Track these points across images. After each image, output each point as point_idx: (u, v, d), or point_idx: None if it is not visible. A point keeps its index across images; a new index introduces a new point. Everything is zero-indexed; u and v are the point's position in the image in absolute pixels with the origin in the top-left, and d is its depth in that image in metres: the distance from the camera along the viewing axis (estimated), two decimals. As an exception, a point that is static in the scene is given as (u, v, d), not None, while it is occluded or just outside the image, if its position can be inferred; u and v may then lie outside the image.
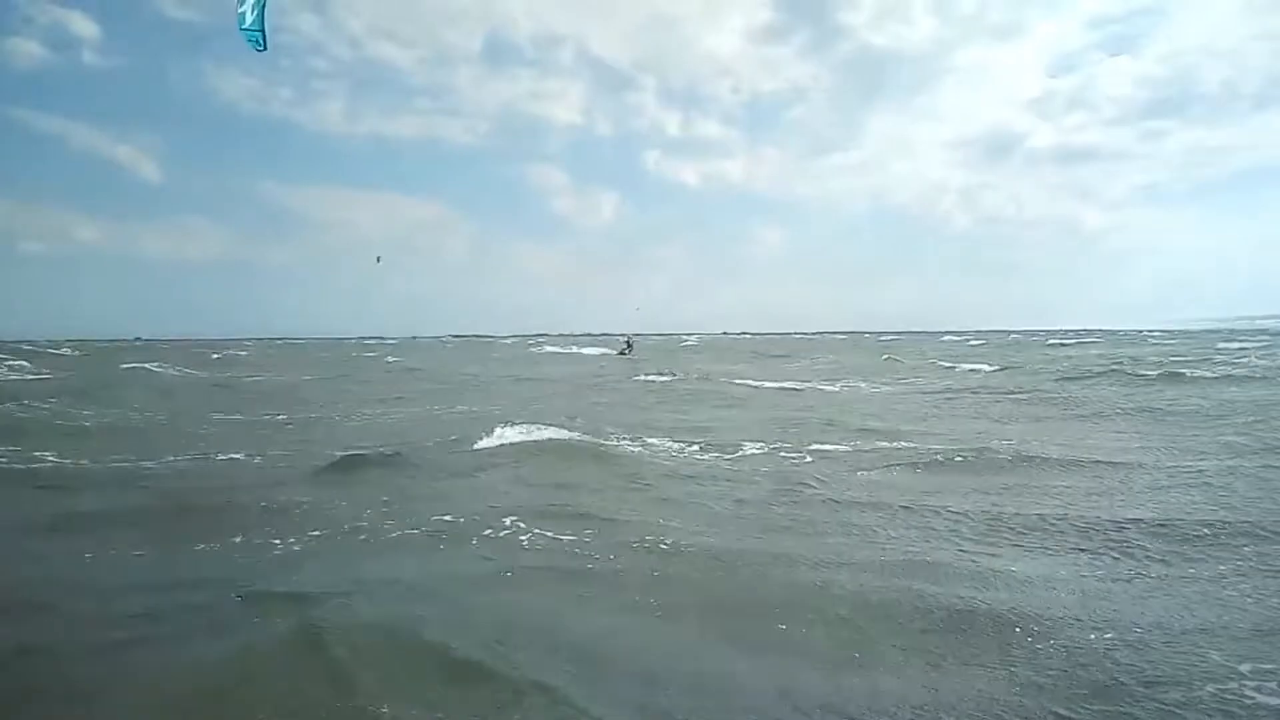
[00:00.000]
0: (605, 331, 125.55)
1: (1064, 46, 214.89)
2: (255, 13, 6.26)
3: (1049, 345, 51.69)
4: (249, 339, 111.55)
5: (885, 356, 37.18)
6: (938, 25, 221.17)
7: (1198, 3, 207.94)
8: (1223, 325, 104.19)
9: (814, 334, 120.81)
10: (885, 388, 20.91)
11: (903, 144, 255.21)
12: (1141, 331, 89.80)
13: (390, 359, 44.39)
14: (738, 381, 22.93)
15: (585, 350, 49.49)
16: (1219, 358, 28.38)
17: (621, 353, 44.17)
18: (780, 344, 66.42)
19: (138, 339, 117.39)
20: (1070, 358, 35.21)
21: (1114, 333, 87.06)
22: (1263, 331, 76.60)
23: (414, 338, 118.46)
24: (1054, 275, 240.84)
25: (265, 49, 6.29)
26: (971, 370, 25.57)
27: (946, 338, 77.72)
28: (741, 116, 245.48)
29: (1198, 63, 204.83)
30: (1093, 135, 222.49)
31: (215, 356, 46.38)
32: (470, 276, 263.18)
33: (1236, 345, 40.28)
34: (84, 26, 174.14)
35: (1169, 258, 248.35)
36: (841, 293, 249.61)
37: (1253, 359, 27.08)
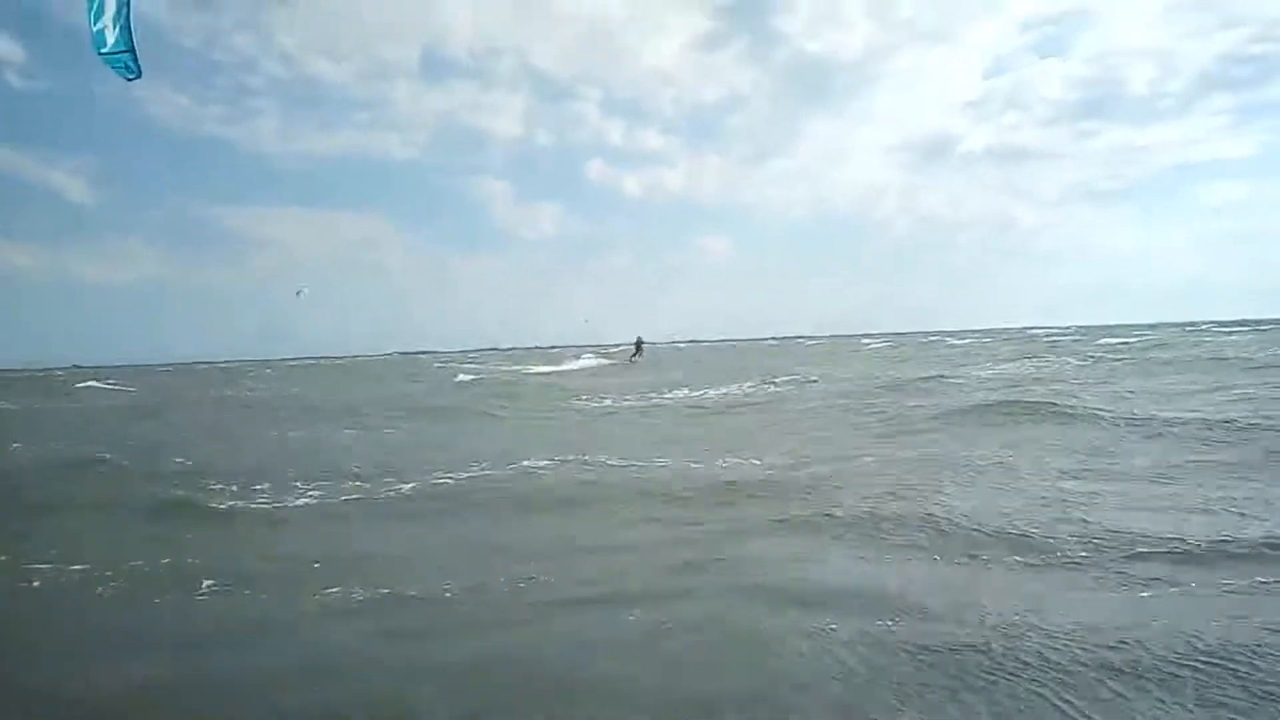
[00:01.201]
0: (554, 344, 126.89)
1: (997, 49, 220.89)
2: (117, 31, 5.27)
3: (946, 345, 54.06)
4: (183, 363, 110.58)
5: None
6: (873, 30, 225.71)
7: (1124, 5, 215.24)
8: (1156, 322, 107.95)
9: (767, 339, 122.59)
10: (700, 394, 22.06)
11: (842, 149, 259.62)
12: (1072, 328, 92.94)
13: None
14: (586, 396, 24.00)
15: (572, 365, 45.12)
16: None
17: (633, 359, 42.79)
18: (719, 352, 67.47)
19: (75, 366, 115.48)
20: (942, 357, 37.08)
21: (1040, 329, 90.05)
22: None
23: (356, 356, 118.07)
24: (991, 274, 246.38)
25: (139, 75, 5.32)
26: (789, 379, 26.52)
27: (866, 340, 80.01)
28: (683, 125, 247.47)
29: (1125, 64, 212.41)
30: (1026, 136, 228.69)
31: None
32: (413, 291, 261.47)
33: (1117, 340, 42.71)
34: (6, 48, 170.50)
35: (1102, 254, 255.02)
36: (786, 298, 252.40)
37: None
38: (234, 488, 9.64)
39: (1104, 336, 50.91)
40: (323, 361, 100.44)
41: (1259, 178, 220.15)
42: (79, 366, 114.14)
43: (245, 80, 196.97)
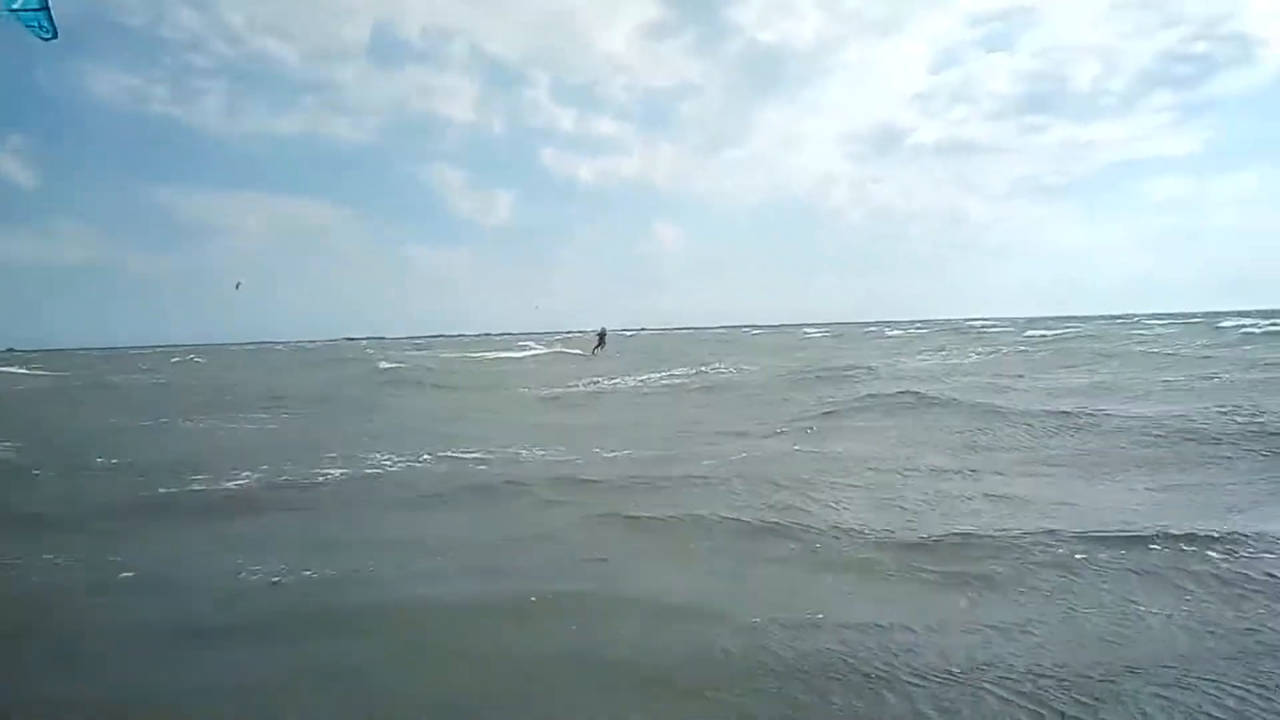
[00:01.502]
0: (506, 331, 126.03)
1: (945, 43, 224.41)
2: None
3: (884, 336, 54.66)
4: (120, 348, 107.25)
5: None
6: (823, 21, 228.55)
7: (1069, 2, 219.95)
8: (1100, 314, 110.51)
9: (720, 328, 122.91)
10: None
11: (794, 139, 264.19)
12: (1020, 320, 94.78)
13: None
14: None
15: (520, 353, 44.36)
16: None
17: (595, 350, 39.49)
18: (668, 340, 67.20)
19: (10, 350, 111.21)
20: (874, 348, 37.40)
21: (981, 320, 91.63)
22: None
23: (305, 342, 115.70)
24: (941, 266, 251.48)
25: (54, 35, 5.10)
26: (713, 369, 26.62)
27: (811, 330, 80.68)
28: (636, 113, 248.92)
29: (1070, 60, 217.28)
30: (974, 130, 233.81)
31: None
32: (364, 277, 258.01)
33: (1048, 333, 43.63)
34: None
35: (1049, 249, 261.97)
36: (740, 287, 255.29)
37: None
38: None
39: (1037, 329, 51.87)
40: (265, 347, 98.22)
41: (1200, 175, 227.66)
42: (13, 350, 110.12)
43: (192, 59, 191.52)
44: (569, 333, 60.80)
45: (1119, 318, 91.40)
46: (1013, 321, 79.29)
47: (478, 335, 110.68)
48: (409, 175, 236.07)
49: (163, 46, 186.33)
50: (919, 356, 29.13)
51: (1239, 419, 9.75)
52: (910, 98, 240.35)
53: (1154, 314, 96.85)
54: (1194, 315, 77.05)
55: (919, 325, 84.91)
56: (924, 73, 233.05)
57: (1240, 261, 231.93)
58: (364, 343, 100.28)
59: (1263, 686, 3.27)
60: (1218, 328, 42.25)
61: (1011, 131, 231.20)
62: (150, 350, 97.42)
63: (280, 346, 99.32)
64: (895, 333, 61.50)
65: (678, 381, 22.64)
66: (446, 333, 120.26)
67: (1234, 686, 3.28)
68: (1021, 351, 28.30)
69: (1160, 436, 9.37)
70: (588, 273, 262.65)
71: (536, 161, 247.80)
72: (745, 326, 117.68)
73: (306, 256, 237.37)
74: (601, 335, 40.87)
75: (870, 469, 8.38)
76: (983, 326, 68.22)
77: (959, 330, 58.83)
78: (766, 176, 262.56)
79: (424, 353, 51.61)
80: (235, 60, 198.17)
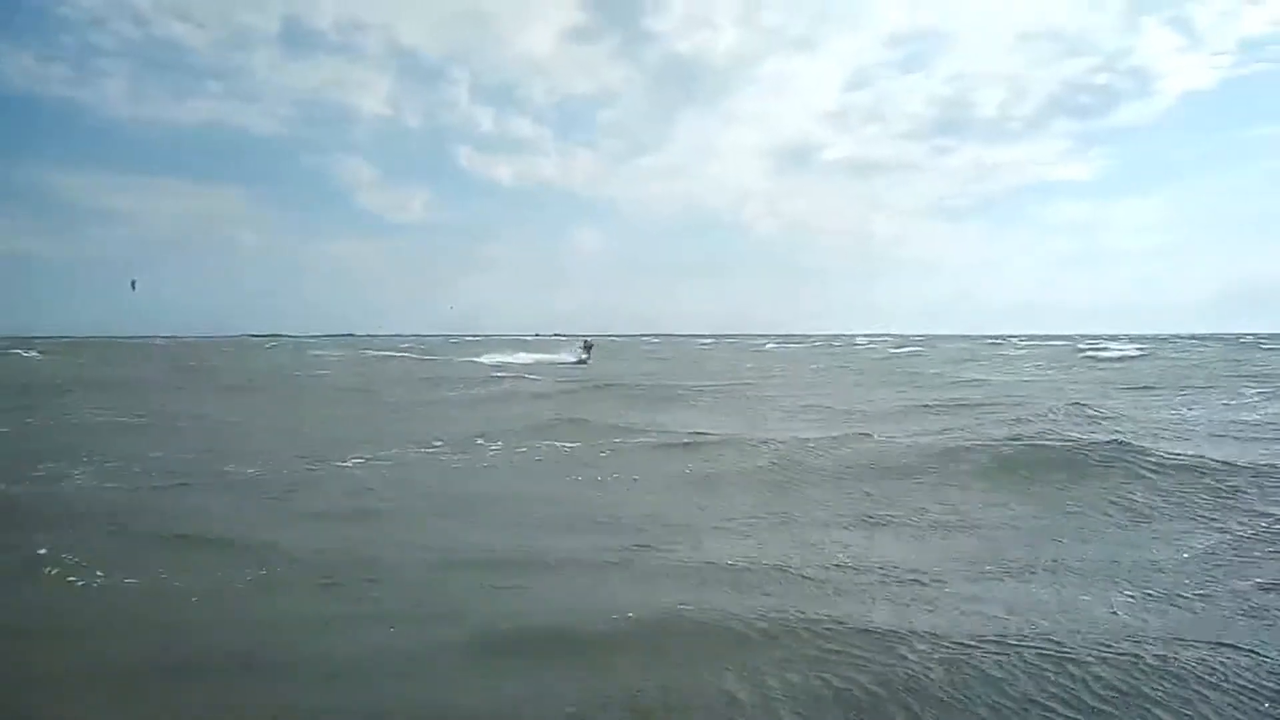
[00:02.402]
0: (417, 332, 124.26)
1: (859, 62, 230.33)
2: None
3: (765, 350, 55.71)
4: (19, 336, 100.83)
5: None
6: (742, 35, 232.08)
7: (979, 29, 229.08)
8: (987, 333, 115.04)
9: (634, 336, 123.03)
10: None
11: (712, 149, 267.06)
12: (912, 337, 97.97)
13: None
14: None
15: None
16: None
17: (581, 360, 36.64)
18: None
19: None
20: (741, 360, 37.87)
21: (867, 335, 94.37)
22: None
23: (203, 337, 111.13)
24: (851, 281, 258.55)
25: None
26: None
27: (704, 340, 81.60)
28: (555, 116, 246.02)
29: (978, 85, 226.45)
30: (884, 149, 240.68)
31: None
32: (269, 272, 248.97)
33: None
34: None
35: (952, 267, 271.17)
36: (655, 294, 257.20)
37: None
38: None
39: (908, 346, 53.62)
40: (156, 341, 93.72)
41: (1096, 200, 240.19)
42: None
43: (94, 39, 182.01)
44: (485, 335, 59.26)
45: (996, 338, 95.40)
46: (903, 338, 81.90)
47: (389, 336, 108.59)
48: (320, 168, 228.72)
49: (63, 24, 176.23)
50: (753, 364, 29.54)
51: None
52: (824, 114, 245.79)
53: (1037, 335, 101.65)
54: (1078, 337, 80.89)
55: (804, 339, 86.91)
56: (838, 90, 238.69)
57: (1124, 286, 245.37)
58: (270, 340, 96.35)
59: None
60: (1076, 349, 44.28)
61: (920, 153, 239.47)
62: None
63: (158, 341, 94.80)
64: (770, 345, 62.72)
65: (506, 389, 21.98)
66: (356, 331, 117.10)
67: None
68: (840, 367, 29.07)
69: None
70: (503, 275, 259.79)
71: (453, 160, 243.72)
72: (663, 335, 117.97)
73: (208, 248, 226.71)
74: (588, 346, 38.15)
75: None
76: (867, 342, 70.23)
77: (830, 344, 60.32)
78: (684, 185, 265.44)
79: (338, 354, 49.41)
80: (140, 42, 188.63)
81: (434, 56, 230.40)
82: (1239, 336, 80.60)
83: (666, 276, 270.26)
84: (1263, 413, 13.33)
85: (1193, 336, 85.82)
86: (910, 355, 40.06)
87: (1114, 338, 77.79)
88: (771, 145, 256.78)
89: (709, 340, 79.58)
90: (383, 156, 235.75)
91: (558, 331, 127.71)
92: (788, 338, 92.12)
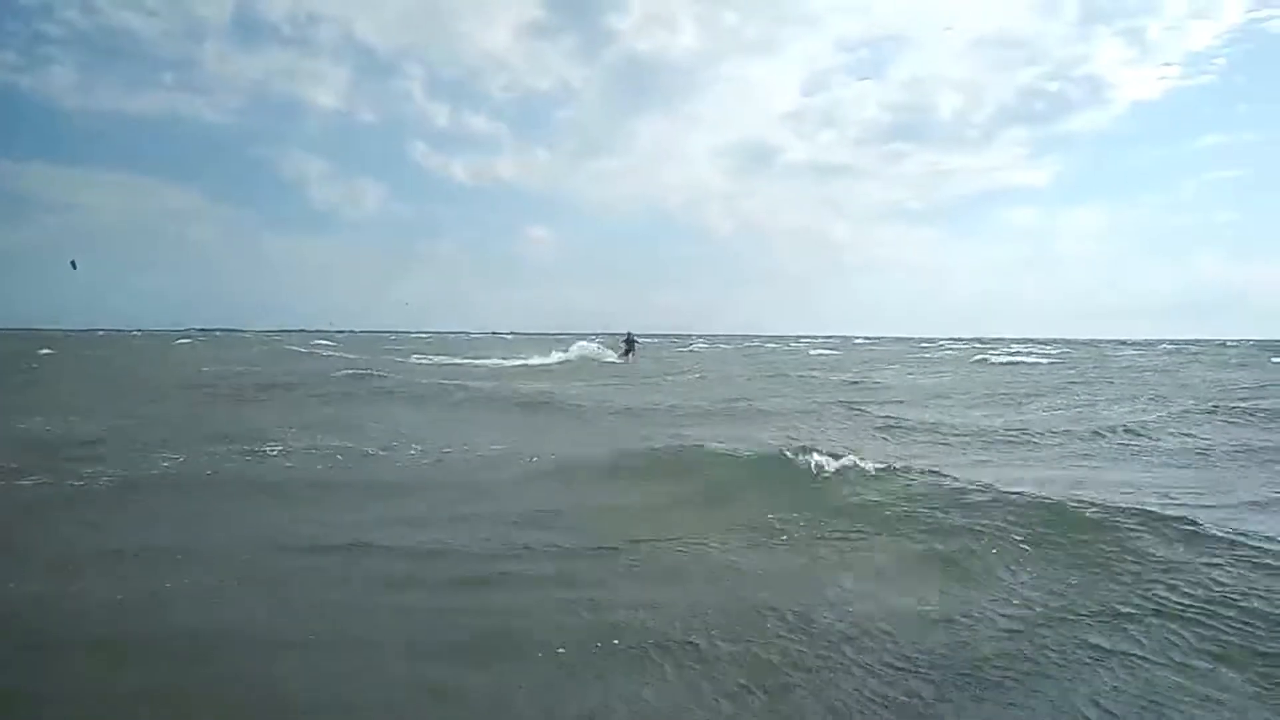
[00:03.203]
0: (368, 328, 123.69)
1: (816, 66, 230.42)
2: None
3: (690, 349, 56.24)
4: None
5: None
6: (701, 36, 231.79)
7: (935, 35, 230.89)
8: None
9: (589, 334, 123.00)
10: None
11: (671, 150, 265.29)
12: (855, 339, 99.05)
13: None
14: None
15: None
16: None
17: (626, 355, 34.00)
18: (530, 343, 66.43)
19: None
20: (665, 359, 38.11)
21: (809, 338, 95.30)
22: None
23: (154, 331, 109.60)
24: (807, 283, 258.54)
25: None
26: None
27: (649, 340, 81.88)
28: (513, 113, 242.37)
29: (935, 90, 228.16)
30: (842, 153, 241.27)
31: None
32: (219, 265, 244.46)
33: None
34: None
35: (909, 272, 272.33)
36: (611, 294, 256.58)
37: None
38: None
39: (831, 348, 54.22)
40: (100, 334, 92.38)
41: (1049, 207, 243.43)
42: None
43: (41, 27, 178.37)
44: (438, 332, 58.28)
45: (943, 340, 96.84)
46: (845, 340, 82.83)
47: (343, 333, 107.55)
48: (272, 161, 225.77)
49: (9, 10, 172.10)
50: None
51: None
52: (782, 117, 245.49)
53: (989, 339, 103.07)
54: (1041, 341, 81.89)
55: (746, 340, 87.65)
56: (796, 94, 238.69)
57: (1075, 292, 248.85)
58: (226, 336, 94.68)
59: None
60: (973, 356, 44.89)
61: (877, 157, 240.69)
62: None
63: (101, 333, 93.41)
64: (701, 346, 63.22)
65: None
66: (307, 327, 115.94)
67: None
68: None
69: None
70: (458, 272, 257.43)
71: (408, 155, 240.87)
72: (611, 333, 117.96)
73: (156, 241, 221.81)
74: (630, 342, 34.98)
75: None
76: (809, 344, 71.03)
77: (762, 346, 60.80)
78: (642, 186, 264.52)
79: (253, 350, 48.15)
80: (89, 31, 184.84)
81: (389, 50, 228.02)
82: (1186, 344, 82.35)
83: (622, 276, 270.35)
84: (1011, 418, 13.76)
85: (1131, 341, 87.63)
86: (827, 357, 40.77)
87: (1050, 342, 79.32)
88: (730, 147, 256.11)
89: (653, 340, 79.81)
90: (336, 151, 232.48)
91: (514, 329, 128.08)
92: (734, 339, 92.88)
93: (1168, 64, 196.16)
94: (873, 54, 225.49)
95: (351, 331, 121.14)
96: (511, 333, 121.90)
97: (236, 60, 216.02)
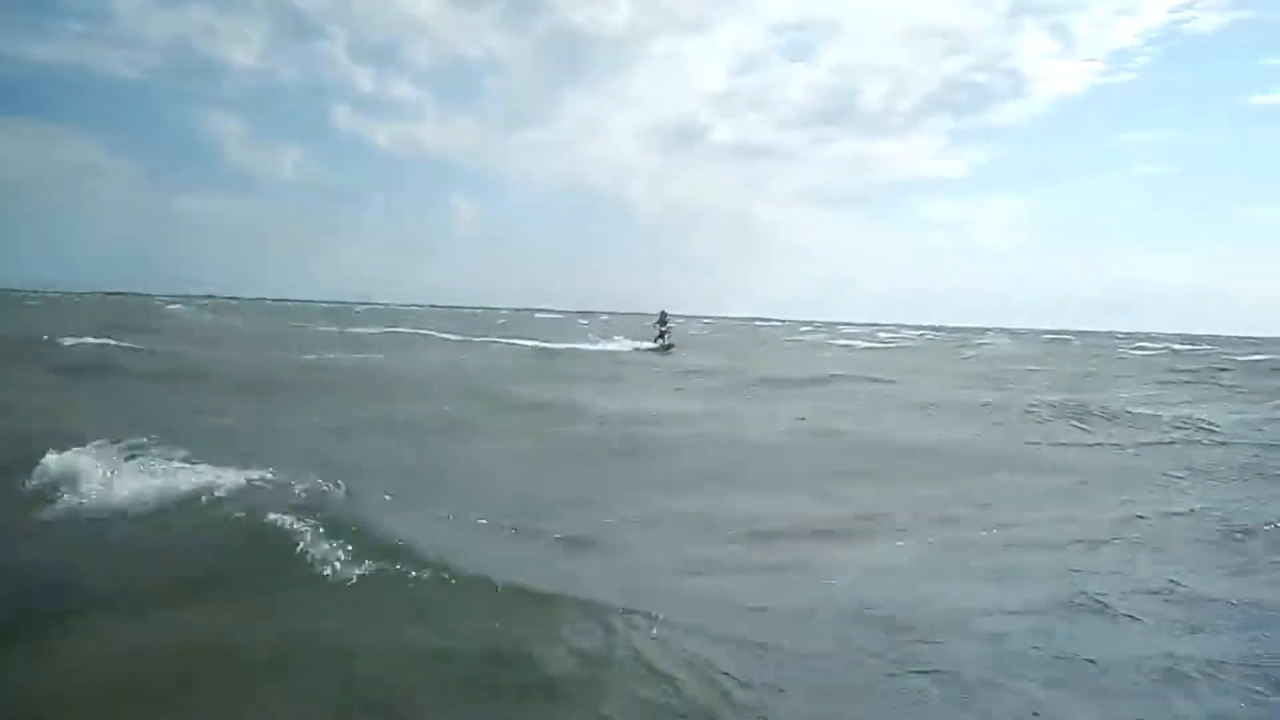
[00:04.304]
0: (284, 296, 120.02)
1: (747, 48, 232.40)
2: None
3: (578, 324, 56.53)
4: None
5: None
6: (634, 12, 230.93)
7: (866, 22, 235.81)
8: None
9: (517, 309, 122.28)
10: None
11: (598, 125, 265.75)
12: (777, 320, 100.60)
13: None
14: None
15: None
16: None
17: (663, 343, 28.59)
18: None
19: None
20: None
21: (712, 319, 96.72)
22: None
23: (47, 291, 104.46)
24: (730, 263, 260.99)
25: None
26: None
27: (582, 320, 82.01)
28: (438, 80, 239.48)
29: (863, 77, 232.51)
30: (768, 135, 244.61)
31: None
32: (128, 226, 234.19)
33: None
34: None
35: (831, 256, 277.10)
36: (537, 270, 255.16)
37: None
38: None
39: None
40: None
41: (969, 197, 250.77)
42: None
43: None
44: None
45: (821, 324, 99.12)
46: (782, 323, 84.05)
47: (275, 300, 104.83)
48: (186, 120, 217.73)
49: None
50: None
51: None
52: (711, 97, 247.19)
53: (909, 324, 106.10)
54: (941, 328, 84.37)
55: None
56: (725, 75, 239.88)
57: (990, 281, 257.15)
58: (134, 298, 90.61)
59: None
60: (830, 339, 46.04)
61: (803, 141, 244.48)
62: None
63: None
64: (598, 317, 63.46)
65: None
66: (217, 294, 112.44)
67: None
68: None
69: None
70: (378, 241, 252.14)
71: (329, 120, 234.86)
72: (532, 309, 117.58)
73: (60, 196, 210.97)
74: (663, 322, 29.34)
75: None
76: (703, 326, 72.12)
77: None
78: (569, 160, 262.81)
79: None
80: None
81: (312, 9, 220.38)
82: (1085, 334, 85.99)
83: (546, 251, 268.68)
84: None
85: (1008, 330, 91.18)
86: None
87: (945, 329, 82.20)
88: (659, 125, 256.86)
89: (557, 315, 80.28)
90: (255, 112, 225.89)
91: (434, 303, 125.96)
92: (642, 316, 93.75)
93: (1091, 60, 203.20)
94: (804, 38, 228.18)
95: (263, 298, 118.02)
96: (432, 305, 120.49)
97: (152, 14, 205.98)
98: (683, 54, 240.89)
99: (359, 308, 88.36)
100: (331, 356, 20.27)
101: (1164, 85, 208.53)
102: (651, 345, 28.91)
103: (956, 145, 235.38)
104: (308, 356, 19.61)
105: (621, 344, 30.73)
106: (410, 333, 35.15)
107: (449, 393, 13.22)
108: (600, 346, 30.17)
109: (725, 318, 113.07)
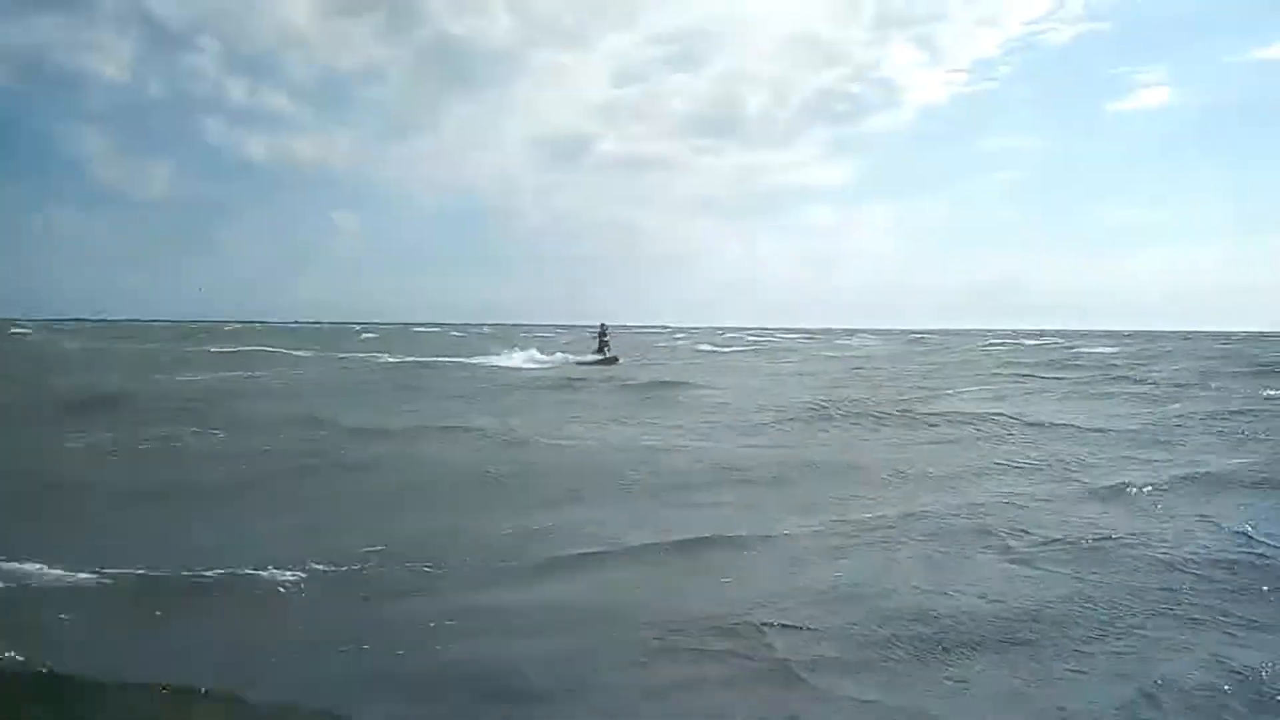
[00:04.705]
0: (158, 317, 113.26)
1: (628, 58, 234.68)
2: None
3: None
4: None
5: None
6: (515, 23, 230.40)
7: (746, 32, 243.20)
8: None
9: (408, 324, 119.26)
10: None
11: (484, 137, 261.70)
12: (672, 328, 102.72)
13: None
14: None
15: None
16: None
17: (606, 354, 28.88)
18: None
19: None
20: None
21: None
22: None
23: None
24: (621, 274, 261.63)
25: None
26: None
27: (455, 332, 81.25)
28: (316, 92, 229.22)
29: (743, 87, 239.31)
30: (654, 146, 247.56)
31: None
32: None
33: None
34: None
35: (721, 263, 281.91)
36: (420, 284, 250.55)
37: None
38: None
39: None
40: None
41: (848, 205, 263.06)
42: None
43: None
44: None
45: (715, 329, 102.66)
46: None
47: (148, 321, 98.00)
48: (47, 135, 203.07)
49: None
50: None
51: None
52: (595, 109, 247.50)
53: (795, 329, 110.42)
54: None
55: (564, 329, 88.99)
56: (608, 85, 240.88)
57: (870, 286, 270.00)
58: None
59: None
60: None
61: (688, 150, 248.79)
62: None
63: None
64: (476, 331, 63.33)
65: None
66: (82, 315, 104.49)
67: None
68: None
69: None
70: (255, 257, 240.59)
71: (201, 134, 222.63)
72: (415, 324, 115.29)
73: None
74: (603, 333, 29.92)
75: None
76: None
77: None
78: (454, 173, 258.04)
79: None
80: None
81: (180, 21, 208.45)
82: (953, 331, 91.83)
83: (432, 265, 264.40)
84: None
85: (870, 329, 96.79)
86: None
87: (801, 330, 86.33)
88: (545, 136, 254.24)
89: (441, 327, 79.30)
90: (121, 127, 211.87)
91: (318, 319, 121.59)
92: (549, 329, 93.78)
93: (956, 69, 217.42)
94: (684, 49, 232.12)
95: (137, 319, 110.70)
96: (317, 322, 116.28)
97: (6, 25, 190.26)
98: (564, 65, 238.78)
99: (230, 327, 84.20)
100: (158, 378, 19.78)
101: (1024, 94, 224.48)
102: (594, 358, 28.94)
103: (835, 154, 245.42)
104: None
105: (512, 359, 29.88)
106: (269, 351, 34.41)
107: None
108: (493, 361, 29.20)
109: (621, 327, 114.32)
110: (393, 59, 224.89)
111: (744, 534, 6.44)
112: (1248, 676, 3.82)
